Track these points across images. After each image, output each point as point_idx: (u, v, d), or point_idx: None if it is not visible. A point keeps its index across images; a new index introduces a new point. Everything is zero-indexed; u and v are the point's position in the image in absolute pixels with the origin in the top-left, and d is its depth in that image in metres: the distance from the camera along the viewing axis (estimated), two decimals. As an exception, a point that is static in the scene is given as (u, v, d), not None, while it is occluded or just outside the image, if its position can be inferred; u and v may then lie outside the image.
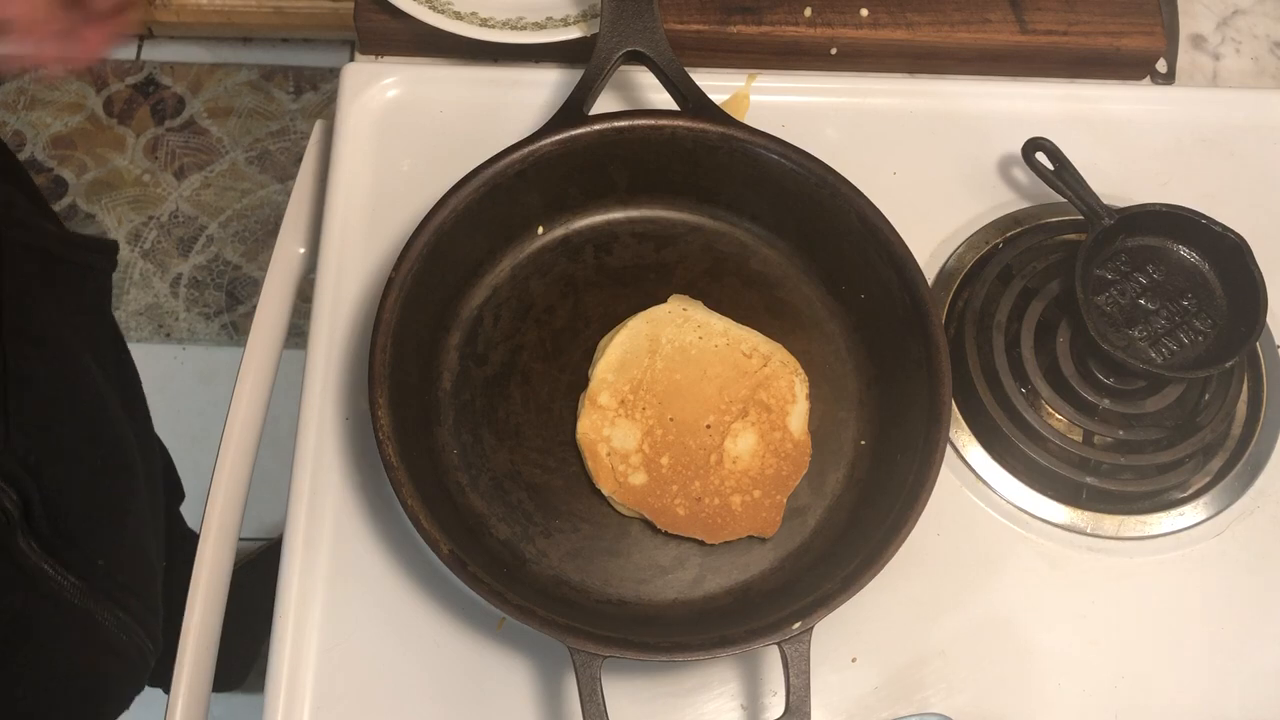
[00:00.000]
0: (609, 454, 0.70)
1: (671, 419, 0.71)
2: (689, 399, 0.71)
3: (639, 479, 0.70)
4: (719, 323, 0.74)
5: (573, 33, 0.80)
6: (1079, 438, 0.75)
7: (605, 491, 0.70)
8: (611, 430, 0.70)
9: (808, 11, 0.84)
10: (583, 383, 0.72)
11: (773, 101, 0.83)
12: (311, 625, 0.68)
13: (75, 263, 0.78)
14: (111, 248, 0.82)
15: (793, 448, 0.71)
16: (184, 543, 0.94)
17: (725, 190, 0.77)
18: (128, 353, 0.97)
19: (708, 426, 0.71)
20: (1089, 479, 0.74)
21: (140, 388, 0.97)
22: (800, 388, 0.72)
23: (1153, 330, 0.75)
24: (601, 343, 0.73)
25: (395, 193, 0.78)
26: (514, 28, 0.81)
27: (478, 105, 0.82)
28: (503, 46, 0.81)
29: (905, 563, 0.64)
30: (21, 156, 1.75)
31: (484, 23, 0.81)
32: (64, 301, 0.75)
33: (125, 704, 0.78)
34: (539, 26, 0.81)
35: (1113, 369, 0.75)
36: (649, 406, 0.71)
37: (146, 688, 1.16)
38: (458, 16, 0.81)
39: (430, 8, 0.80)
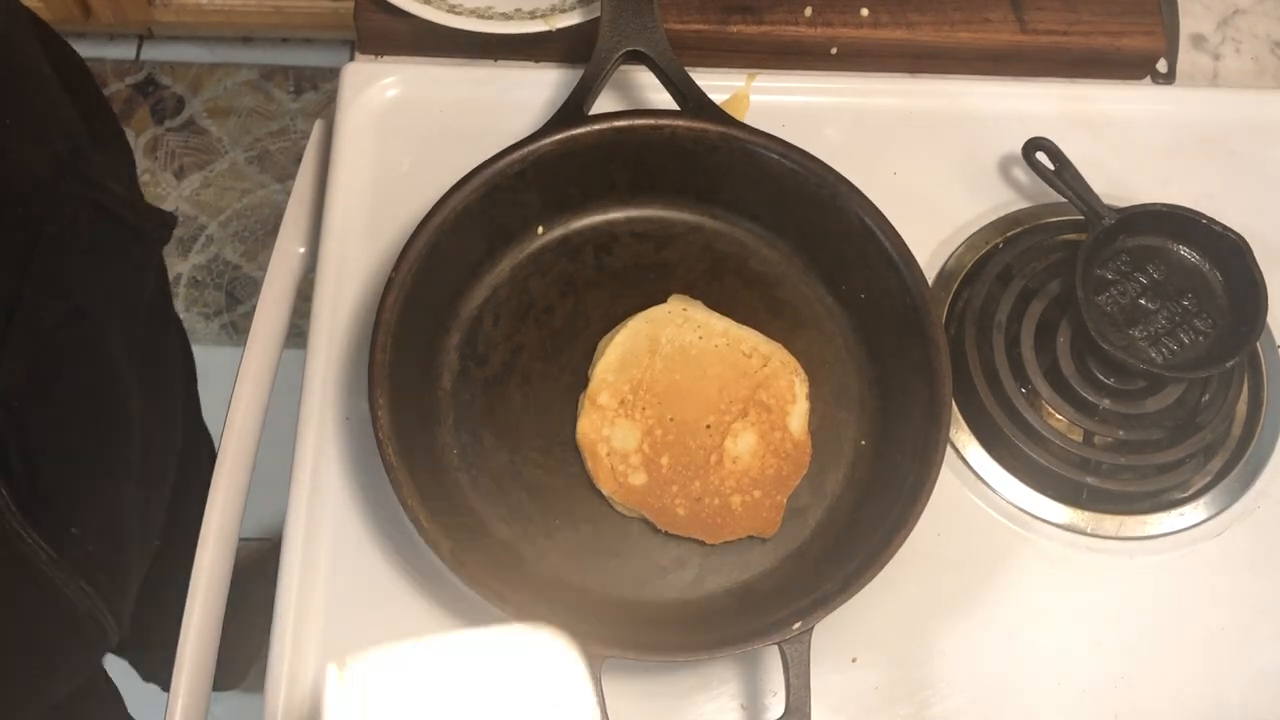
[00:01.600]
0: (609, 454, 0.70)
1: (671, 419, 0.71)
2: (689, 399, 0.71)
3: (639, 479, 0.69)
4: (719, 323, 0.74)
5: (573, 18, 0.80)
6: (1079, 438, 0.75)
7: (605, 492, 0.70)
8: (611, 430, 0.70)
9: (808, 11, 0.84)
10: (583, 383, 0.72)
11: (773, 101, 0.83)
12: (312, 625, 0.68)
13: (127, 224, 0.77)
14: (170, 220, 0.81)
15: (793, 448, 0.71)
16: None
17: (725, 190, 0.76)
18: (183, 336, 0.94)
19: (708, 426, 0.71)
20: (1089, 479, 0.74)
21: (189, 374, 0.96)
22: (800, 388, 0.72)
23: (1153, 330, 0.75)
24: (601, 343, 0.73)
25: (395, 192, 0.78)
26: (508, 17, 0.80)
27: (478, 105, 0.82)
28: (503, 41, 0.81)
29: (905, 563, 0.64)
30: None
31: (482, 14, 0.80)
32: (107, 263, 0.74)
33: (74, 680, 0.76)
34: (536, 15, 0.81)
35: (1113, 369, 0.75)
36: (649, 406, 0.71)
37: (146, 687, 1.15)
38: (452, 10, 0.80)
39: (424, 1, 0.80)
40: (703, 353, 0.72)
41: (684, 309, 0.74)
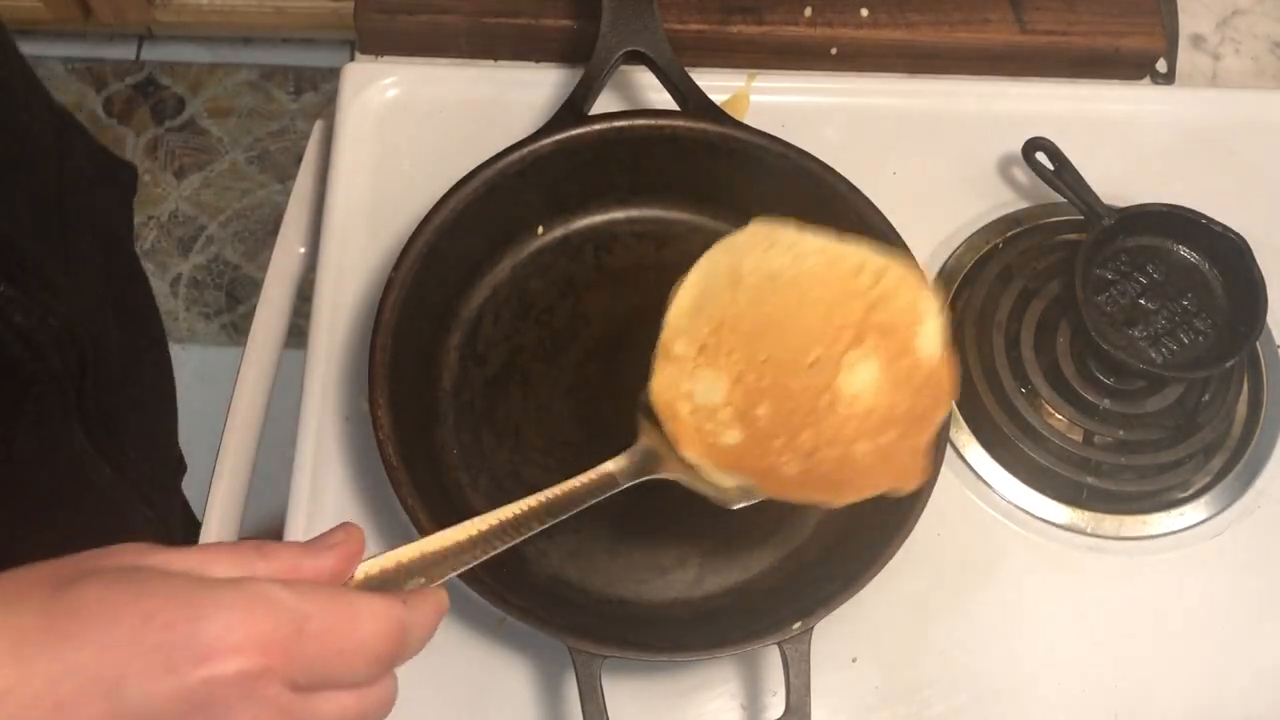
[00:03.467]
0: (693, 412, 0.57)
1: (765, 360, 0.58)
2: (785, 333, 0.58)
3: (733, 437, 0.57)
4: (813, 240, 0.60)
5: None
6: (1079, 438, 0.75)
7: (691, 458, 0.57)
8: (693, 384, 0.58)
9: (808, 11, 0.84)
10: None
11: (772, 101, 0.83)
12: (311, 625, 0.67)
13: (107, 169, 0.78)
14: (131, 169, 0.83)
15: (927, 375, 0.58)
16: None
17: (725, 190, 0.76)
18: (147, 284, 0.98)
19: (813, 364, 0.58)
20: (1089, 479, 0.74)
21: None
22: (929, 302, 0.59)
23: (1153, 330, 0.75)
24: (673, 289, 0.61)
25: (395, 192, 0.78)
26: None
27: (478, 105, 0.82)
28: (502, 40, 0.81)
29: (905, 563, 0.64)
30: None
31: None
32: (107, 205, 0.76)
33: None
34: None
35: (1113, 369, 0.75)
36: (735, 349, 0.58)
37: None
38: None
39: None
40: (797, 277, 0.59)
41: (769, 231, 0.61)
